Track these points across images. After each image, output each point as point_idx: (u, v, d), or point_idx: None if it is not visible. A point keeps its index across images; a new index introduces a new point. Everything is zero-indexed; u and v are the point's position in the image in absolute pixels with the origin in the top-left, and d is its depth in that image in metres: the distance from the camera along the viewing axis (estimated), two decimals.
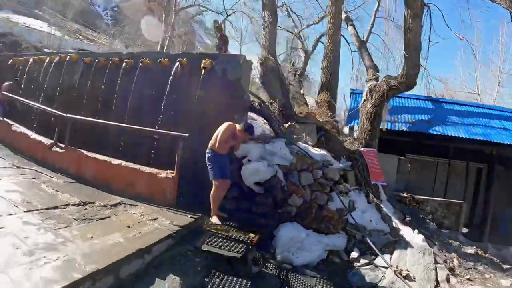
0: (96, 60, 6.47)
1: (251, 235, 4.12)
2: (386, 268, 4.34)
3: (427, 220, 6.77)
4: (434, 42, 7.13)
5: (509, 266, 5.86)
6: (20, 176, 4.67)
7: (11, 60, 8.17)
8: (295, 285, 3.76)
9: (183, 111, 5.49)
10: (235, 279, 3.13)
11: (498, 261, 6.08)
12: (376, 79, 7.18)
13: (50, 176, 4.92)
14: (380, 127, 7.15)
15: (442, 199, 7.56)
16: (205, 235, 3.75)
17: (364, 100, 7.15)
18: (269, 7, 7.30)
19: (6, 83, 7.57)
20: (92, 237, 2.98)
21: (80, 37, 30.03)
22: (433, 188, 9.10)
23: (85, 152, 5.19)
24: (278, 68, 6.55)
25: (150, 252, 2.92)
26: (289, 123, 6.31)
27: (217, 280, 3.06)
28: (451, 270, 4.83)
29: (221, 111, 5.25)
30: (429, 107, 10.01)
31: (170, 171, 4.40)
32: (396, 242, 4.97)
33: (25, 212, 3.37)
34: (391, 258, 4.59)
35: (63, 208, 3.71)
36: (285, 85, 6.67)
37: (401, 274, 4.19)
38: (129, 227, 3.38)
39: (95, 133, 6.08)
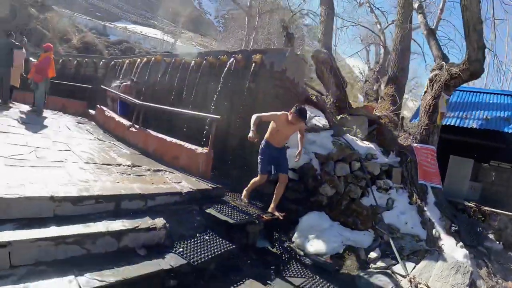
0: (173, 60, 7.74)
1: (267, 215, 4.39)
2: (404, 277, 3.95)
3: (491, 237, 5.70)
4: (500, 20, 6.09)
5: None
6: (97, 145, 6.00)
7: (112, 62, 10.36)
8: (289, 269, 3.82)
9: (235, 100, 6.15)
10: (221, 240, 3.47)
11: None
12: (441, 68, 6.38)
13: (121, 148, 6.15)
14: (441, 121, 6.32)
15: None
16: (219, 203, 4.21)
17: (425, 92, 6.51)
18: (326, 2, 7.47)
19: (124, 83, 8.24)
20: (118, 182, 3.78)
21: (193, 43, 34.83)
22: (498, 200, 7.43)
23: (151, 131, 6.30)
24: (330, 61, 6.61)
25: (153, 199, 3.53)
26: (341, 115, 6.34)
27: (206, 237, 3.45)
28: None
29: (270, 101, 5.74)
30: (508, 102, 8.39)
31: (206, 147, 5.03)
32: (428, 252, 4.45)
33: (85, 163, 4.43)
34: (414, 267, 4.14)
35: (115, 166, 4.68)
36: (339, 77, 6.66)
37: (416, 287, 3.78)
38: (153, 183, 4.09)
39: (170, 119, 7.32)
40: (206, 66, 6.92)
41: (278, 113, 4.29)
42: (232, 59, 6.29)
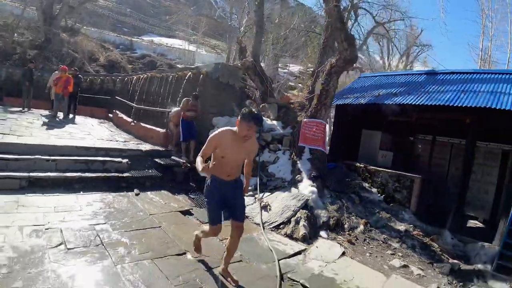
0: (161, 75, 11.84)
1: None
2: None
3: (373, 190, 8.20)
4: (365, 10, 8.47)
5: (451, 263, 5.45)
6: (108, 133, 10.31)
7: (126, 78, 14.80)
8: (195, 193, 7.48)
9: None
10: (157, 172, 7.30)
11: (441, 250, 6.01)
12: None
13: (124, 135, 10.40)
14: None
15: (394, 171, 8.20)
16: (165, 157, 8.08)
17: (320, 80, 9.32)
18: (257, 23, 10.89)
19: (186, 99, 8.67)
20: (111, 144, 7.83)
21: (218, 50, 39.28)
22: (409, 166, 9.29)
23: (141, 123, 10.42)
24: (254, 66, 10.11)
25: (125, 152, 7.55)
26: (263, 104, 9.94)
27: (150, 171, 7.33)
28: (333, 225, 5.96)
29: (210, 98, 9.48)
30: (416, 80, 10.21)
31: (165, 129, 8.97)
32: (285, 187, 7.22)
33: (97, 139, 8.61)
34: (269, 195, 6.99)
35: (114, 141, 8.81)
36: (262, 78, 10.13)
37: (260, 204, 6.37)
38: (130, 147, 8.10)
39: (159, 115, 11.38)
40: (178, 79, 10.89)
41: (216, 133, 3.45)
42: (190, 73, 10.19)
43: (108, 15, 36.66)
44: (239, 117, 3.27)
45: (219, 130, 3.47)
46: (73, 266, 3.43)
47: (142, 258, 3.86)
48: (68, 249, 3.79)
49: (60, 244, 3.87)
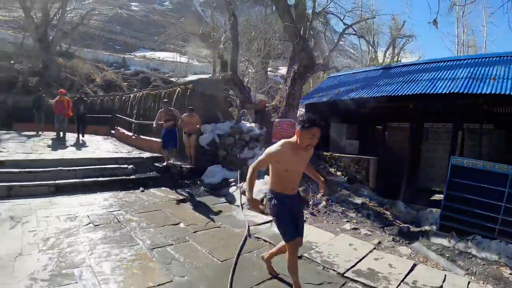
0: (155, 93, 13.67)
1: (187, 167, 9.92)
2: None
3: (338, 174, 10.10)
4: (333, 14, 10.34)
5: (400, 226, 6.54)
6: (113, 146, 12.11)
7: (123, 97, 16.67)
8: (191, 187, 9.28)
9: (182, 110, 11.80)
10: (157, 174, 9.08)
11: (393, 217, 7.24)
12: None
13: (126, 147, 12.19)
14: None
15: (354, 155, 9.76)
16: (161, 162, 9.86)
17: (286, 85, 11.08)
18: (233, 40, 12.66)
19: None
20: (117, 155, 9.64)
21: (210, 59, 40.62)
22: (375, 151, 10.66)
23: (141, 136, 12.23)
24: (232, 78, 11.87)
25: (130, 159, 9.33)
26: (242, 110, 11.72)
27: (150, 173, 9.11)
28: None
29: (199, 108, 11.26)
30: (373, 75, 11.74)
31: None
32: (259, 176, 8.89)
33: (105, 152, 10.42)
34: None
35: (119, 153, 10.58)
36: (240, 87, 11.90)
37: (240, 191, 8.01)
38: (133, 155, 9.90)
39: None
40: (170, 94, 12.69)
41: (274, 148, 3.29)
42: (178, 88, 12.00)
43: (100, 35, 38.43)
44: (298, 128, 3.18)
45: (278, 143, 3.31)
46: (100, 234, 5.18)
47: (148, 227, 5.62)
48: (95, 225, 5.54)
49: (89, 224, 5.61)
